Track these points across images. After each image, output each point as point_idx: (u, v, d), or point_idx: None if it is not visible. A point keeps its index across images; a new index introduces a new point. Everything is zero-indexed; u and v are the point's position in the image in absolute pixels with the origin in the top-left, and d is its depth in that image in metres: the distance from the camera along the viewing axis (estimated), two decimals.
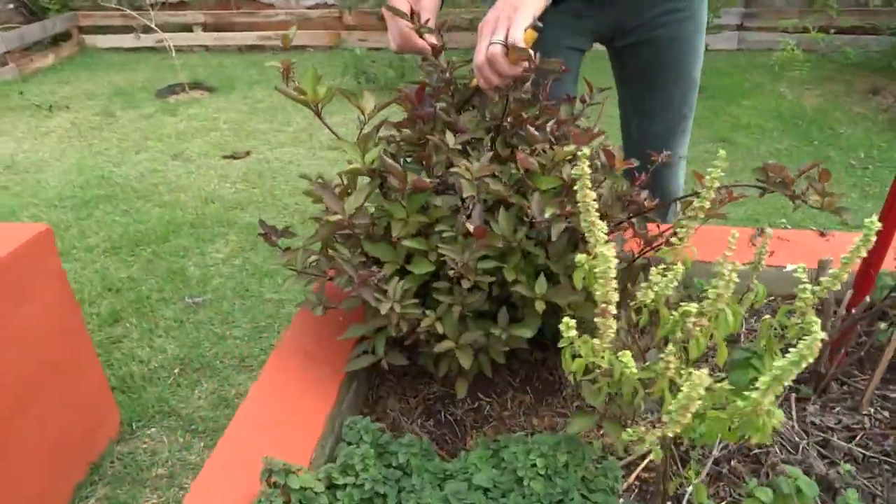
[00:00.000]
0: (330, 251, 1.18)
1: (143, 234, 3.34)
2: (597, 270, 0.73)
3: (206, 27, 6.74)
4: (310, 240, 1.26)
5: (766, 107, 4.57)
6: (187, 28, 6.73)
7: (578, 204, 0.82)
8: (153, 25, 5.50)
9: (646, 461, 1.20)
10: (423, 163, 1.24)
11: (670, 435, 0.73)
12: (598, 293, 0.76)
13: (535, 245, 1.15)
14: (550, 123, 1.30)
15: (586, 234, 0.80)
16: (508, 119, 1.30)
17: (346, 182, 1.40)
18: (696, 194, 0.98)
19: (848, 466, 1.09)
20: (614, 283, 0.75)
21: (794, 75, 4.77)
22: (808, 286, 0.82)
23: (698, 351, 0.85)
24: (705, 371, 0.66)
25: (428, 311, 1.13)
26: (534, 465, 1.10)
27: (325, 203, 1.14)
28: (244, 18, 6.65)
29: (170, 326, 2.68)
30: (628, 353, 0.79)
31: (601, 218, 0.81)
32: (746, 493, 1.00)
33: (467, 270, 1.06)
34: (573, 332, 0.77)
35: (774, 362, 0.64)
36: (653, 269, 0.82)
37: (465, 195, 1.14)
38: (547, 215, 1.04)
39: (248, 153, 4.28)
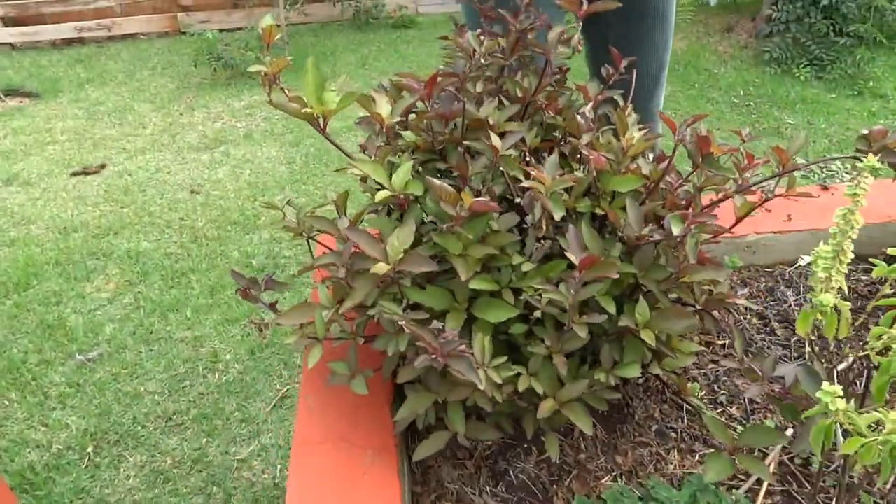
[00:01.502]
0: (372, 309, 0.90)
1: None
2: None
3: (6, 21, 5.78)
4: (332, 299, 0.97)
5: None
6: None
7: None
8: None
9: (764, 488, 1.04)
10: (455, 175, 0.98)
11: None
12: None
13: (622, 261, 0.94)
14: (587, 108, 1.08)
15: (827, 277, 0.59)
16: (540, 99, 1.07)
17: (338, 205, 1.11)
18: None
19: None
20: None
21: None
22: None
23: None
24: None
25: (515, 367, 0.88)
26: None
27: (364, 250, 0.85)
28: (54, 8, 5.76)
29: (64, 394, 2.20)
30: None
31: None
32: None
33: (574, 311, 0.83)
34: (840, 403, 0.57)
35: None
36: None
37: (538, 215, 0.90)
38: (676, 231, 0.82)
39: (102, 166, 3.68)
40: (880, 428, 0.64)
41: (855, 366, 1.17)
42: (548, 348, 0.88)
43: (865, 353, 0.71)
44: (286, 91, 0.87)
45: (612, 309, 0.88)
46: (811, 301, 0.60)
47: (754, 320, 1.31)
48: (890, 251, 0.67)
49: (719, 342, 1.29)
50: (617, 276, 0.82)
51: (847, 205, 0.60)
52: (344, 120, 3.98)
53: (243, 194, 3.28)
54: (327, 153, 3.64)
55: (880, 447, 0.56)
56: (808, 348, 1.18)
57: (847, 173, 3.13)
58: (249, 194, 3.28)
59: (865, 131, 0.97)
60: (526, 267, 0.88)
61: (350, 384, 0.94)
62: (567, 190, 0.96)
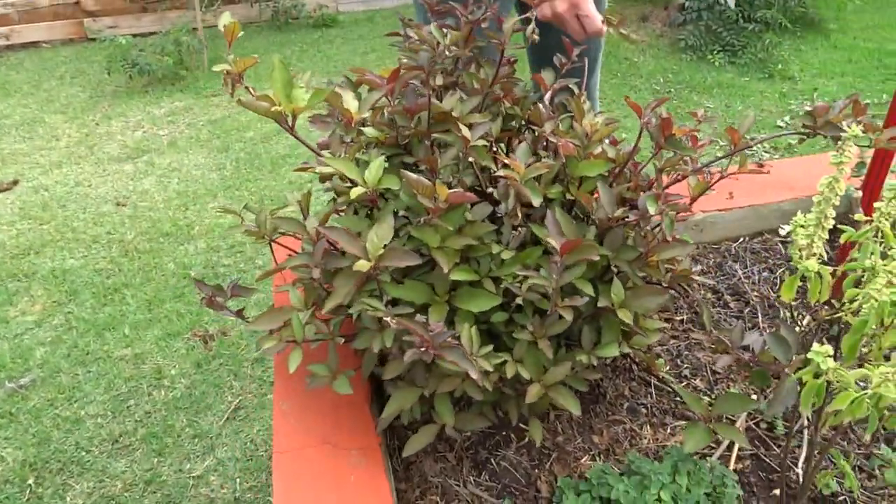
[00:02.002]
0: (352, 306, 0.88)
1: None
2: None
3: None
4: (304, 301, 0.94)
5: None
6: None
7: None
8: None
9: (734, 453, 1.09)
10: (422, 168, 0.98)
11: None
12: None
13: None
14: (547, 97, 1.10)
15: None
16: (496, 90, 1.08)
17: (302, 206, 1.09)
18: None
19: None
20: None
21: None
22: None
23: None
24: None
25: (500, 354, 0.89)
26: (658, 501, 0.93)
27: (344, 247, 0.83)
28: None
29: None
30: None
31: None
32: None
33: (557, 295, 0.84)
34: (830, 361, 0.60)
35: None
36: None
37: (512, 203, 0.90)
38: (652, 210, 0.84)
39: (14, 182, 3.47)
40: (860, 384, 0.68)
41: (811, 326, 1.23)
42: (532, 334, 0.89)
43: (836, 314, 0.75)
44: (251, 90, 0.84)
45: (589, 291, 0.90)
46: (794, 268, 0.63)
47: (709, 295, 1.37)
48: (857, 217, 0.71)
49: (677, 318, 1.33)
50: (597, 258, 0.83)
51: (826, 174, 0.63)
52: (272, 122, 3.90)
53: (173, 204, 3.16)
54: (258, 157, 3.55)
55: (868, 401, 0.59)
56: (785, 313, 1.24)
57: (766, 152, 3.29)
58: (180, 204, 3.16)
59: (809, 108, 1.03)
60: (505, 255, 0.89)
61: (333, 385, 0.92)
62: (536, 178, 0.97)
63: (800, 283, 0.66)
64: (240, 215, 1.16)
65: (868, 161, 1.41)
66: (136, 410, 2.10)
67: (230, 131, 3.86)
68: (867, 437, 0.84)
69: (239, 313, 1.09)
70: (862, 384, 0.63)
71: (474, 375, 0.78)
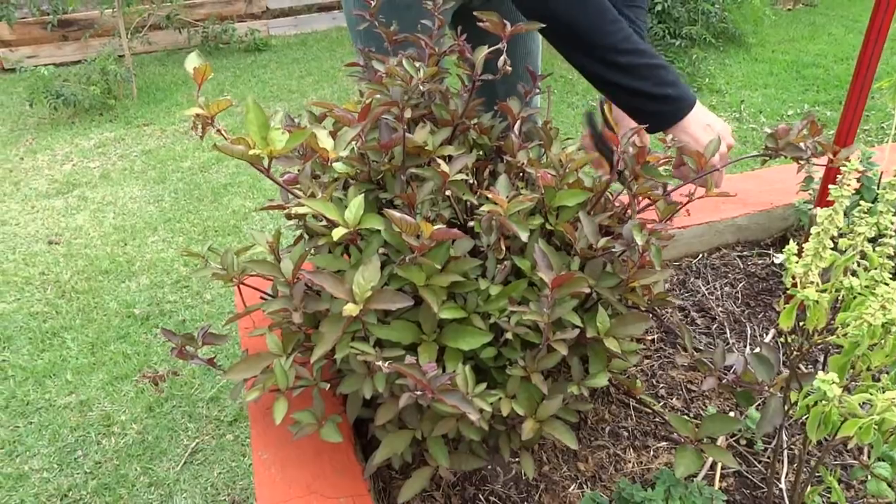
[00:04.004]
0: (339, 352, 0.85)
1: None
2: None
3: None
4: (282, 347, 0.91)
5: None
6: None
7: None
8: None
9: (718, 472, 1.10)
10: (402, 204, 0.96)
11: None
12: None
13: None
14: (516, 126, 1.10)
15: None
16: (466, 120, 1.07)
17: (273, 248, 1.06)
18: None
19: None
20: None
21: None
22: None
23: None
24: None
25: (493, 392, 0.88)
26: None
27: (331, 291, 0.80)
28: None
29: None
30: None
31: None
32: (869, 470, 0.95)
33: (549, 329, 0.84)
34: (836, 389, 0.61)
35: None
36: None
37: (494, 237, 0.90)
38: (640, 241, 0.85)
39: None
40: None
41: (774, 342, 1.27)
42: (524, 368, 0.88)
43: (823, 338, 0.77)
44: (223, 132, 0.81)
45: (576, 321, 0.90)
46: (785, 295, 0.64)
47: (676, 312, 1.39)
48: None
49: (649, 338, 1.35)
50: (588, 291, 0.83)
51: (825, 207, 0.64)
52: (209, 151, 3.79)
53: (111, 240, 3.03)
54: (198, 187, 3.45)
55: (874, 427, 0.60)
56: (779, 338, 1.26)
57: None
58: (118, 239, 3.03)
59: (769, 130, 1.06)
60: (493, 290, 0.88)
61: (320, 433, 0.89)
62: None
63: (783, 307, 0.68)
64: (204, 258, 1.11)
65: (816, 176, 1.47)
66: (85, 461, 1.99)
67: (166, 161, 3.74)
68: (872, 461, 0.86)
69: (211, 361, 1.04)
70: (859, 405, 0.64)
71: (474, 418, 0.77)
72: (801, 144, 1.02)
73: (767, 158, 1.07)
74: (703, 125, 1.14)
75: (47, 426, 2.11)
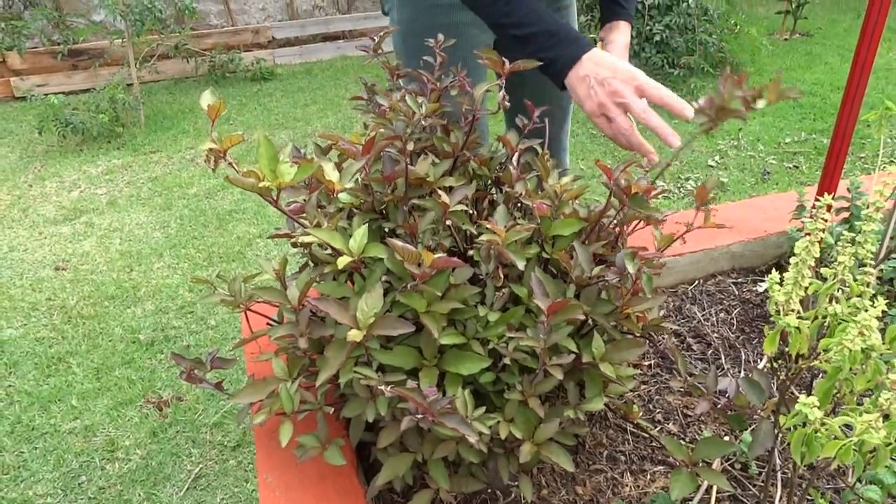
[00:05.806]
0: (343, 377, 0.88)
1: None
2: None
3: None
4: (288, 371, 0.94)
5: None
6: None
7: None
8: None
9: (713, 496, 1.12)
10: (403, 233, 1.00)
11: None
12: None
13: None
14: (514, 158, 1.14)
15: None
16: (466, 152, 1.11)
17: (279, 275, 1.09)
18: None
19: None
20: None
21: None
22: None
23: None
24: None
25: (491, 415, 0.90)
26: None
27: (335, 317, 0.84)
28: None
29: None
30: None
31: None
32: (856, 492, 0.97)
33: (545, 354, 0.87)
34: (817, 412, 0.64)
35: None
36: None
37: (493, 266, 0.93)
38: (631, 269, 0.88)
39: None
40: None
41: (767, 367, 1.29)
42: (521, 393, 0.91)
43: (807, 363, 0.80)
44: (234, 165, 0.85)
45: (572, 347, 0.93)
46: (771, 322, 0.67)
47: (672, 338, 1.42)
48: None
49: (646, 363, 1.38)
50: (583, 317, 0.86)
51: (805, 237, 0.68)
52: (215, 177, 3.85)
53: (117, 266, 3.07)
54: (203, 213, 3.50)
55: (854, 448, 0.63)
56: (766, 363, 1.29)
57: (679, 190, 3.44)
58: (124, 265, 3.08)
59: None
60: (492, 317, 0.91)
61: (324, 456, 0.92)
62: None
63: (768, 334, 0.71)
64: (212, 284, 1.15)
65: (808, 205, 1.50)
66: (89, 487, 2.01)
67: (172, 188, 3.80)
68: (853, 481, 0.88)
69: (219, 385, 1.07)
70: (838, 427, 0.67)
71: (473, 440, 0.80)
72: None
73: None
74: (580, 78, 1.09)
75: (52, 451, 2.13)
